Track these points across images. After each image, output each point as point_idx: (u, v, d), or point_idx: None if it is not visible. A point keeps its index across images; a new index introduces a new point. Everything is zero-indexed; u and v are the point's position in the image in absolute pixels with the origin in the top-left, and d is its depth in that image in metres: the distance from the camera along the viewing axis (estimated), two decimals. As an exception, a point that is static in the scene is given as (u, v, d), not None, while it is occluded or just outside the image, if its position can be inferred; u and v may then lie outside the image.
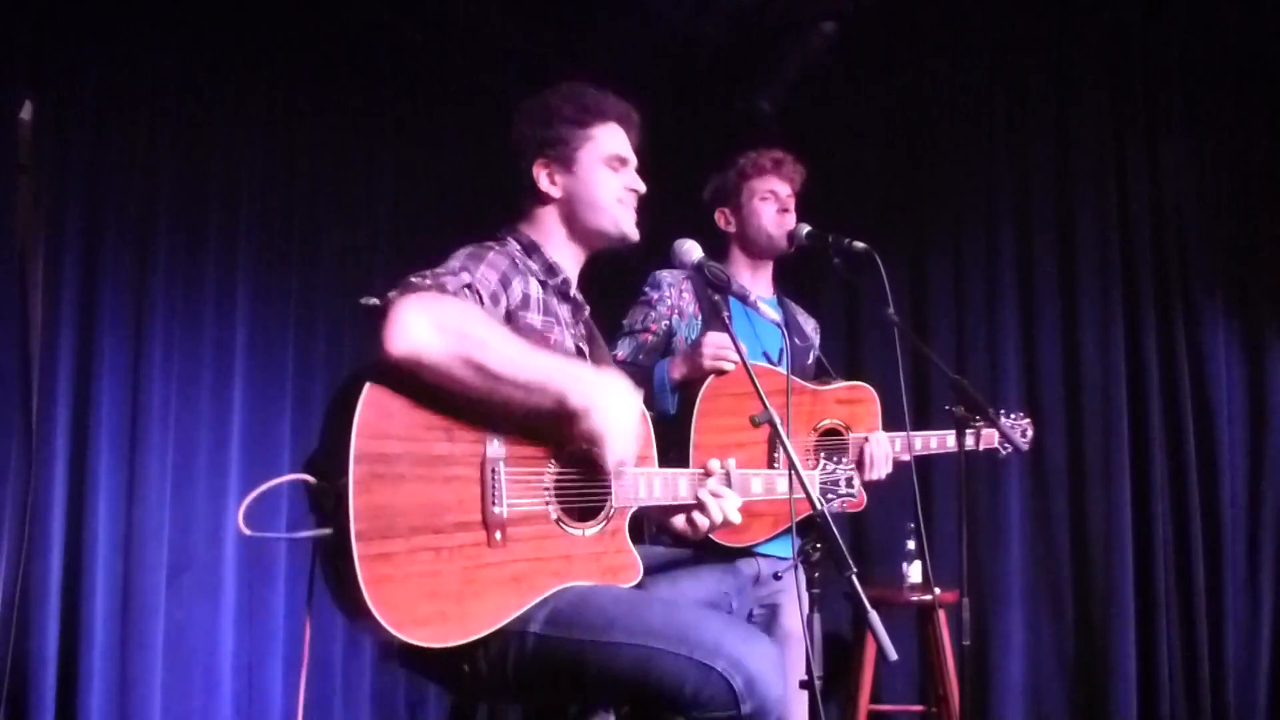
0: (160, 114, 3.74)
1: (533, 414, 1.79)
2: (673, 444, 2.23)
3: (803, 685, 1.80)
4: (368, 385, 1.67)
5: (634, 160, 2.17)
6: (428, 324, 1.68)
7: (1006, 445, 3.06)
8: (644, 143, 2.21)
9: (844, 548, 1.85)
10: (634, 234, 2.15)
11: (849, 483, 2.41)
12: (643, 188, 2.16)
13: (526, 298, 1.99)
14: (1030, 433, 3.16)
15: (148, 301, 3.64)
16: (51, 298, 3.41)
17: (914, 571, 3.93)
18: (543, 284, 2.06)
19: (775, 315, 2.44)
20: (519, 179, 2.13)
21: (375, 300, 1.72)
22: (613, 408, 1.82)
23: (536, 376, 1.77)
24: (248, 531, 1.66)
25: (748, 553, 2.64)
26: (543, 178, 2.11)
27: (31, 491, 3.27)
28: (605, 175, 2.12)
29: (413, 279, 1.80)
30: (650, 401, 2.50)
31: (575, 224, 2.12)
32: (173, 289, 3.73)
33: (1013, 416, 3.10)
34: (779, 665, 1.78)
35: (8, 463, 3.22)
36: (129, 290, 3.60)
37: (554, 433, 1.85)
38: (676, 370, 2.59)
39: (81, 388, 3.46)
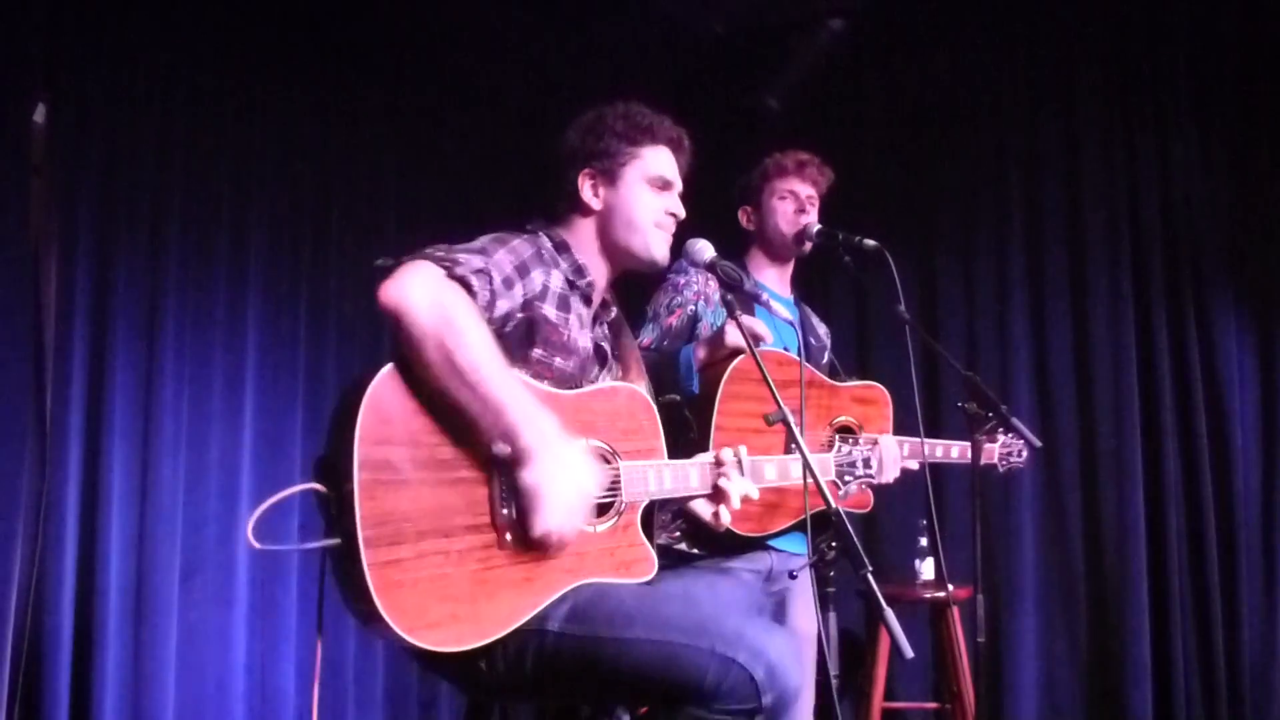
0: (172, 116, 3.74)
1: (477, 432, 1.76)
2: (695, 425, 2.22)
3: (820, 684, 1.79)
4: (369, 391, 1.68)
5: (679, 185, 2.19)
6: (423, 291, 1.74)
7: (1005, 462, 3.14)
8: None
9: (859, 546, 1.84)
10: (664, 259, 2.16)
11: (866, 464, 2.39)
12: (683, 213, 2.18)
13: (546, 289, 1.99)
14: (1026, 453, 3.20)
15: (160, 303, 3.64)
16: (64, 299, 3.41)
17: (927, 568, 3.93)
18: (570, 283, 2.06)
19: (789, 314, 2.42)
20: (560, 185, 2.14)
21: (391, 260, 1.78)
22: (559, 474, 1.76)
23: (498, 397, 1.74)
24: (258, 546, 1.67)
25: (760, 544, 2.59)
26: (585, 188, 2.12)
27: (45, 493, 3.27)
28: (646, 195, 2.13)
29: (429, 249, 1.83)
30: (677, 385, 2.50)
31: (608, 239, 2.13)
32: (184, 290, 3.73)
33: (1008, 436, 3.14)
34: (798, 656, 1.78)
35: (21, 464, 3.22)
36: (141, 292, 3.60)
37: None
38: (701, 350, 2.58)
39: (94, 389, 3.46)
